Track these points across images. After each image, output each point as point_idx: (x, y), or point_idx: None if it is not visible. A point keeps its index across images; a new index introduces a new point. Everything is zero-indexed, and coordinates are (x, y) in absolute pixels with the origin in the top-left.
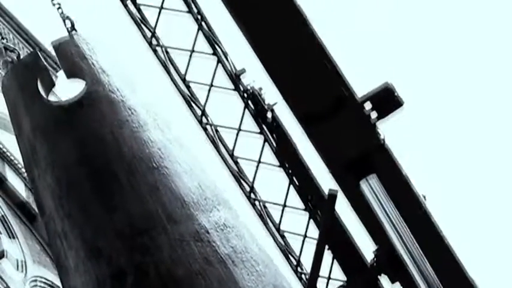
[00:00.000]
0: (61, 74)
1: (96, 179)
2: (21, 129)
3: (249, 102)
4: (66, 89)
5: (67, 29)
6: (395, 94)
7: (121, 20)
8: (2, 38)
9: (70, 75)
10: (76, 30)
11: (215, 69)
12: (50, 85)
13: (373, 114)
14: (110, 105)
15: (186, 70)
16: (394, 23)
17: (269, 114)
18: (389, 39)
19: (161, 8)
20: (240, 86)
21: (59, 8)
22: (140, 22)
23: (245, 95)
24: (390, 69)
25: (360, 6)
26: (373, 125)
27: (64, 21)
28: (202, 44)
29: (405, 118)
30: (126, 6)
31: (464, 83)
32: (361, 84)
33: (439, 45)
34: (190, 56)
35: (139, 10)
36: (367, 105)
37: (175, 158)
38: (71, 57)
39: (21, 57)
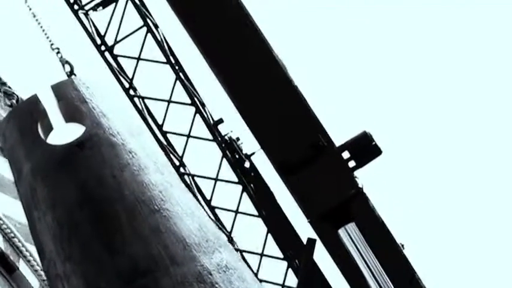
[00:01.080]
0: (60, 116)
1: (98, 221)
2: (21, 172)
3: (227, 151)
4: (65, 132)
5: (66, 72)
6: (374, 143)
7: (99, 68)
8: (2, 84)
9: (69, 118)
10: (75, 74)
11: (193, 119)
12: (49, 128)
13: (351, 163)
14: (111, 149)
15: (164, 119)
16: (371, 69)
17: (247, 164)
18: (367, 85)
19: (139, 58)
20: (218, 136)
21: (58, 52)
22: (118, 72)
23: (223, 144)
24: (367, 116)
25: (339, 52)
26: (351, 174)
27: (63, 65)
28: (181, 94)
29: (383, 164)
30: (103, 56)
31: (441, 128)
32: (340, 131)
33: (418, 91)
34: (168, 105)
35: (116, 60)
36: (345, 154)
37: (176, 201)
38: (71, 101)
39: (20, 101)
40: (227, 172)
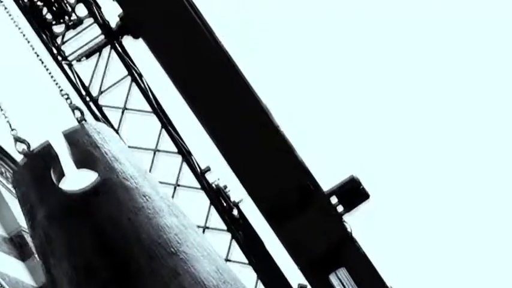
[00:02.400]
0: (73, 162)
1: (116, 264)
2: (35, 218)
3: (215, 199)
4: (79, 177)
5: (76, 118)
6: (361, 187)
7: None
8: (12, 129)
9: (82, 164)
10: (86, 120)
11: (180, 168)
12: (62, 174)
13: (340, 208)
14: (125, 193)
15: (150, 169)
16: (357, 113)
17: (235, 211)
18: (353, 129)
19: (124, 108)
20: (206, 184)
21: (68, 98)
22: (103, 122)
23: (211, 192)
24: (354, 160)
25: (324, 99)
26: (340, 219)
27: (73, 111)
28: (167, 143)
29: (372, 208)
30: (88, 107)
31: (430, 171)
32: (327, 176)
33: (405, 134)
34: (154, 154)
35: (101, 111)
36: (333, 199)
37: (192, 243)
38: (83, 146)
39: (32, 148)
40: (215, 220)
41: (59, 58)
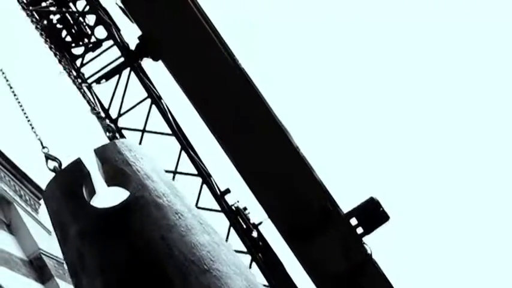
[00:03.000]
0: (105, 179)
1: (149, 282)
2: (67, 236)
3: (235, 221)
4: (111, 195)
5: (108, 137)
6: (381, 209)
7: (102, 140)
8: (43, 147)
9: (114, 181)
10: (117, 138)
11: (200, 190)
12: (93, 191)
13: (359, 230)
14: (158, 210)
15: None
16: (377, 135)
17: (255, 233)
18: (374, 150)
19: (144, 130)
20: (225, 206)
21: (99, 115)
22: None
23: (230, 214)
24: (375, 181)
25: (344, 119)
26: (360, 240)
27: (104, 129)
28: (186, 164)
29: (392, 230)
30: (108, 131)
31: (450, 192)
32: (346, 197)
33: (425, 156)
34: (174, 176)
35: (120, 133)
36: (353, 221)
37: (225, 260)
38: (115, 164)
39: (63, 165)
40: (235, 242)
41: (78, 80)
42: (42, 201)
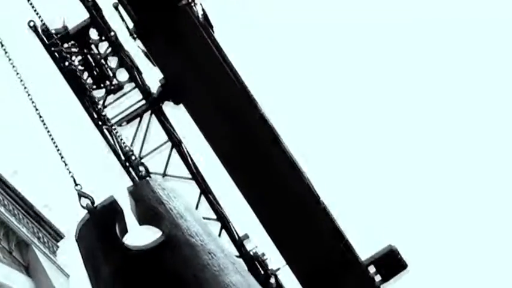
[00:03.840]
0: (139, 218)
1: None
2: (99, 275)
3: (253, 267)
4: (145, 234)
5: (140, 175)
6: (399, 257)
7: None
8: (76, 185)
9: (146, 220)
10: (150, 177)
11: (219, 234)
12: (126, 230)
13: (377, 278)
14: (191, 250)
15: None
16: (393, 182)
17: (273, 280)
18: (391, 198)
19: (164, 174)
20: (244, 252)
21: (132, 154)
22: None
23: (249, 260)
24: (393, 228)
25: (361, 165)
26: None
27: (138, 167)
28: (205, 208)
29: (410, 279)
30: (128, 172)
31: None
32: (365, 245)
33: (443, 204)
34: None
35: (140, 176)
36: (371, 269)
37: None
38: (148, 203)
39: (96, 203)
40: None
41: (99, 123)
42: (60, 244)
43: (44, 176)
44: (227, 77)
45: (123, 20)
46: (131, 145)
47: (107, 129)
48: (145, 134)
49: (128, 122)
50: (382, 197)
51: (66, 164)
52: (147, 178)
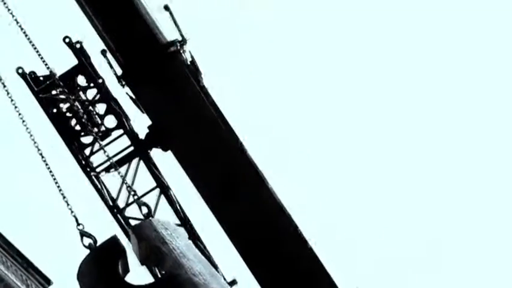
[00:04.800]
0: (141, 257)
1: None
2: None
3: None
4: (147, 271)
5: (144, 214)
6: None
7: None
8: (78, 224)
9: (150, 259)
10: (153, 216)
11: None
12: (128, 268)
13: None
14: None
15: None
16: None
17: None
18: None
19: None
20: None
21: (135, 194)
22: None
23: None
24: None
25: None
26: None
27: (140, 207)
28: None
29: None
30: (116, 218)
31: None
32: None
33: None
34: None
35: (127, 222)
36: None
37: None
38: (152, 242)
39: (98, 243)
40: None
41: (87, 169)
42: None
43: (33, 222)
44: (215, 123)
45: (111, 66)
46: (119, 191)
47: (94, 175)
48: (133, 181)
49: (116, 168)
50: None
51: (68, 204)
52: (150, 218)
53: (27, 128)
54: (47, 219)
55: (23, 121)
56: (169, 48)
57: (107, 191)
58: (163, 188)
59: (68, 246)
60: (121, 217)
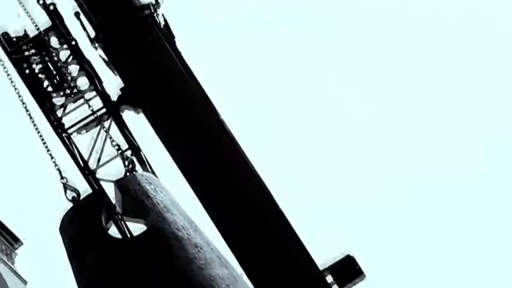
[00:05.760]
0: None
1: None
2: (83, 262)
3: None
4: (130, 225)
5: (128, 168)
6: (357, 266)
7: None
8: (62, 178)
9: (133, 213)
10: (137, 171)
11: None
12: (113, 221)
13: (335, 287)
14: (177, 243)
15: None
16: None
17: None
18: (348, 204)
19: None
20: None
21: (119, 149)
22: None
23: None
24: (348, 235)
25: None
26: None
27: (124, 161)
28: None
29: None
30: (87, 179)
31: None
32: (322, 250)
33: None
34: None
35: (98, 184)
36: (329, 278)
37: None
38: (135, 195)
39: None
40: None
41: (59, 130)
42: (18, 251)
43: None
44: (187, 84)
45: (84, 28)
46: (90, 153)
47: (66, 136)
48: (104, 142)
49: (87, 130)
50: (340, 202)
51: (52, 157)
52: (134, 172)
53: (11, 82)
54: (18, 176)
55: (8, 74)
56: (143, 11)
57: (79, 152)
58: (134, 149)
59: (40, 204)
60: (92, 178)
